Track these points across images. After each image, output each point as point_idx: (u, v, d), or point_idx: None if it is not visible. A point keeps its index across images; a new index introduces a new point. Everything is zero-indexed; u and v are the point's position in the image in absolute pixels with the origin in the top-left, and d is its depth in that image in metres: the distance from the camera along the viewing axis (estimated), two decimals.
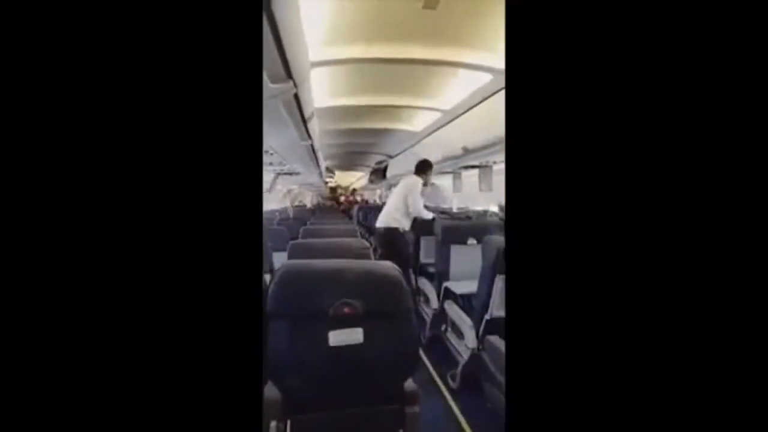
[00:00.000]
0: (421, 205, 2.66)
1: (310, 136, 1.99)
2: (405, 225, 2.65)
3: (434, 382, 1.89)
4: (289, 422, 0.90)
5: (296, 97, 1.25)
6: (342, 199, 11.03)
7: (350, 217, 5.63)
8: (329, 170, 6.90)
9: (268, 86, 1.02)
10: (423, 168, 2.72)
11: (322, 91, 2.19)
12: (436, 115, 2.76)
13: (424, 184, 2.71)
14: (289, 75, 1.01)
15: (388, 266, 0.96)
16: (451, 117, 2.63)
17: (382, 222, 2.69)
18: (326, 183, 8.71)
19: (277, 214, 4.10)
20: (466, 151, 2.79)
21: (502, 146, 2.30)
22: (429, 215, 2.67)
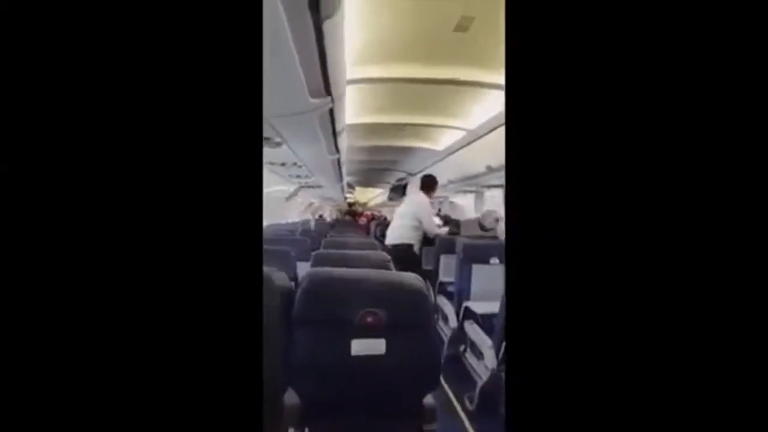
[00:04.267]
0: (433, 226, 2.68)
1: (338, 150, 2.04)
2: (415, 241, 2.67)
3: (450, 402, 1.85)
4: (307, 429, 0.90)
5: (331, 112, 1.29)
6: (363, 214, 11.09)
7: (368, 232, 5.66)
8: (350, 186, 7.00)
9: (308, 101, 1.06)
10: (428, 183, 2.74)
11: (351, 108, 2.25)
12: (460, 134, 2.79)
13: (431, 196, 2.73)
14: (328, 91, 1.06)
15: (413, 277, 0.97)
16: (474, 136, 2.65)
17: (393, 239, 2.69)
18: (345, 198, 8.82)
19: (299, 226, 4.17)
20: (490, 170, 2.79)
21: None
22: (441, 231, 2.69)
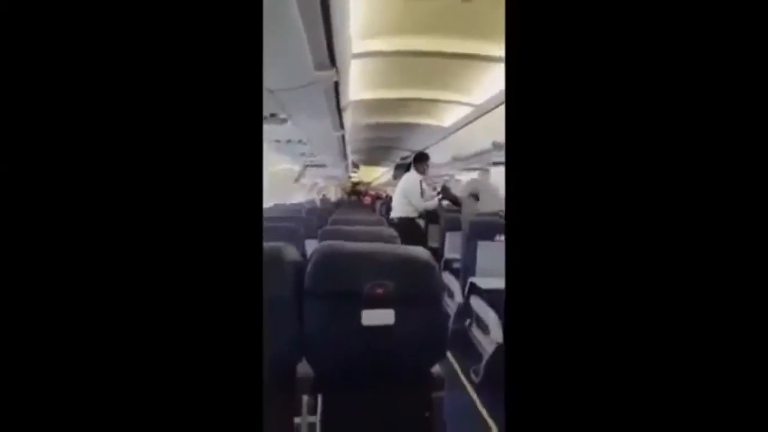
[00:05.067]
0: (420, 202, 2.84)
1: (343, 127, 2.02)
2: (414, 214, 2.89)
3: (456, 375, 1.90)
4: (320, 398, 0.93)
5: (336, 85, 1.28)
6: (367, 193, 11.06)
7: (373, 211, 5.67)
8: (354, 164, 6.96)
9: (313, 73, 1.05)
10: (419, 160, 2.90)
11: (356, 83, 2.21)
12: (467, 110, 2.74)
13: (423, 173, 2.88)
14: (333, 62, 1.04)
15: (421, 250, 0.97)
16: (481, 111, 2.61)
17: (396, 213, 2.92)
18: (349, 177, 8.79)
19: (305, 205, 4.19)
20: (497, 147, 2.76)
21: None
22: (432, 205, 2.86)
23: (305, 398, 0.92)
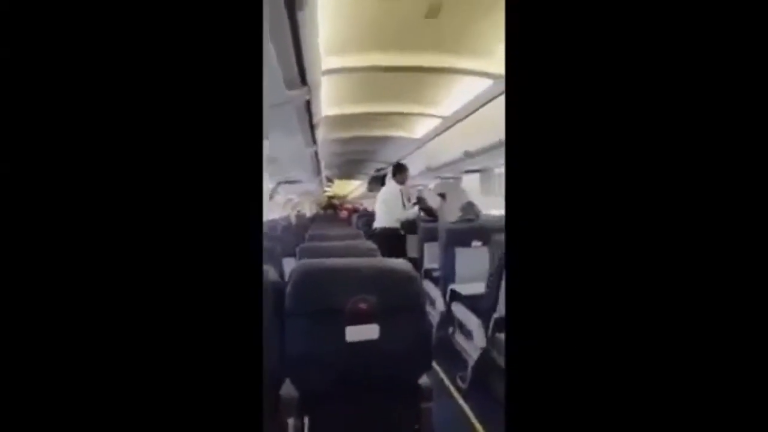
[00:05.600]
0: (402, 212, 2.88)
1: (315, 142, 2.02)
2: (397, 225, 2.92)
3: (443, 383, 1.90)
4: (306, 419, 0.91)
5: (308, 103, 1.28)
6: (343, 207, 10.99)
7: (349, 224, 5.65)
8: (328, 179, 6.94)
9: (284, 92, 1.05)
10: (397, 171, 2.95)
11: (326, 99, 2.23)
12: (436, 122, 2.81)
13: (402, 183, 2.94)
14: (304, 81, 1.05)
15: (402, 263, 0.98)
16: (450, 123, 2.68)
17: (379, 223, 2.92)
18: (324, 192, 8.74)
19: (279, 222, 4.12)
20: (468, 155, 2.84)
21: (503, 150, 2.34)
22: (413, 214, 2.91)
23: (291, 421, 0.90)
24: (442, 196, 3.41)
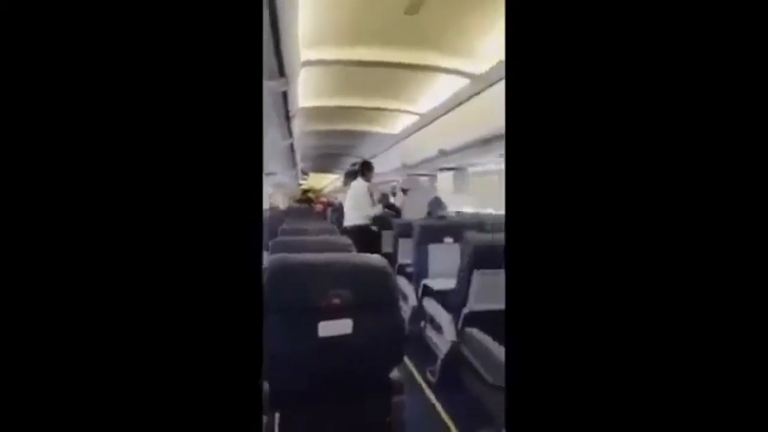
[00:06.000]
0: (370, 208, 2.95)
1: (291, 135, 1.99)
2: (368, 221, 2.95)
3: (413, 377, 1.93)
4: (277, 415, 0.91)
5: (284, 95, 1.26)
6: (318, 200, 10.88)
7: (324, 218, 5.61)
8: (303, 172, 6.85)
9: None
10: (364, 169, 3.01)
11: (304, 91, 2.20)
12: (414, 119, 2.83)
13: (369, 181, 2.99)
14: (282, 72, 1.03)
15: (376, 258, 0.99)
16: (427, 120, 2.71)
17: (348, 221, 2.95)
18: (299, 185, 8.62)
19: None
20: (443, 154, 2.88)
21: (479, 149, 2.39)
22: (378, 211, 2.98)
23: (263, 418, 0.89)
24: (404, 191, 3.47)
